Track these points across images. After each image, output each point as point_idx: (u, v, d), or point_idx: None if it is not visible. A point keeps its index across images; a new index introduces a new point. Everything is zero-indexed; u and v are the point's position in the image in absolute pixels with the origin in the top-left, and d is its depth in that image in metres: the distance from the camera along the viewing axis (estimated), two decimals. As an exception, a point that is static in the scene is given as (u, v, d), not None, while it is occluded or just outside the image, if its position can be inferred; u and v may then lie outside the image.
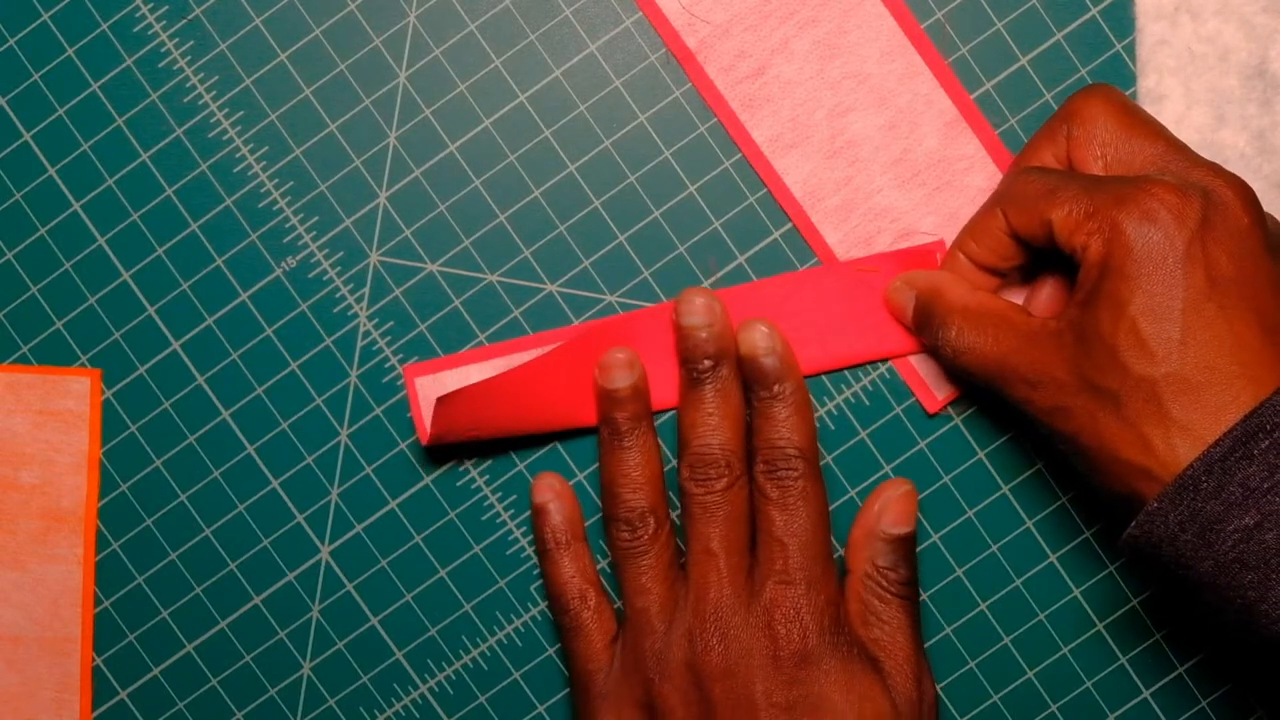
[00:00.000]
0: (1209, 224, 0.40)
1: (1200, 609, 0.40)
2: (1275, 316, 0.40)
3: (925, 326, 0.47)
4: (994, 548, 0.50)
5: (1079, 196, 0.42)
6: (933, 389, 0.49)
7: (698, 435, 0.47)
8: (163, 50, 0.50)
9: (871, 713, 0.45)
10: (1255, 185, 0.48)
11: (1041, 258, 0.46)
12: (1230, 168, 0.48)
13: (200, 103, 0.50)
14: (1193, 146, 0.48)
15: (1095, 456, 0.42)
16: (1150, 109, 0.48)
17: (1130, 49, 0.49)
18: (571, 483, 0.50)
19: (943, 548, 0.50)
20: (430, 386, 0.49)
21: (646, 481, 0.48)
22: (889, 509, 0.47)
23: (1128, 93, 0.49)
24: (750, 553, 0.47)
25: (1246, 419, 0.38)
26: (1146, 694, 0.50)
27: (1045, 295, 0.46)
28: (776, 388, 0.47)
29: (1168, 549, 0.39)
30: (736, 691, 0.45)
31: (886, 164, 0.49)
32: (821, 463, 0.50)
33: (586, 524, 0.50)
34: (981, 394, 0.49)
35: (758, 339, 0.48)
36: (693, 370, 0.48)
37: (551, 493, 0.49)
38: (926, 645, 0.50)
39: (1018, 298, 0.48)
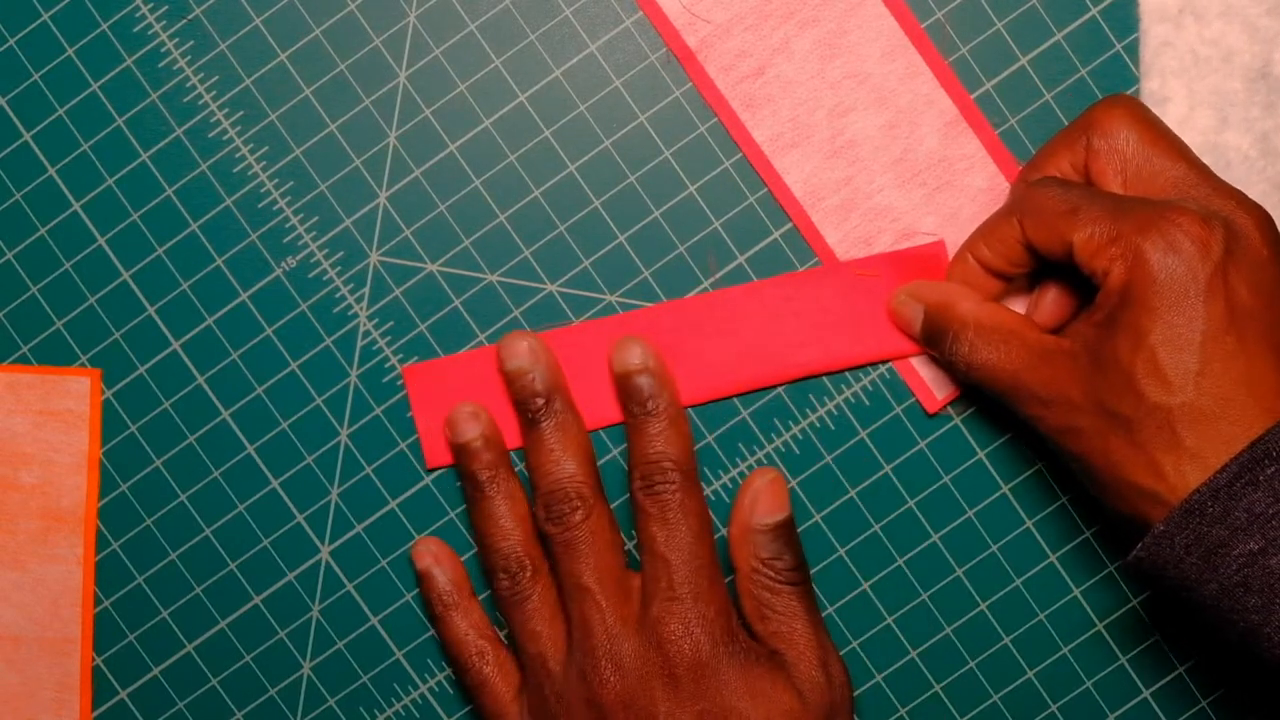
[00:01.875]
0: (1231, 255, 0.40)
1: (1204, 630, 0.40)
2: None
3: (936, 341, 0.46)
4: (994, 548, 0.50)
5: (1101, 219, 0.42)
6: (932, 389, 0.49)
7: (544, 475, 0.47)
8: (163, 50, 0.50)
9: (779, 712, 0.45)
10: (1260, 188, 0.48)
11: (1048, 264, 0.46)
12: (1233, 170, 0.48)
13: (200, 103, 0.50)
14: (1196, 149, 0.48)
15: (1104, 477, 0.42)
16: (1154, 111, 0.48)
17: (1130, 49, 0.49)
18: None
19: (943, 548, 0.50)
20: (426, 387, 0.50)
21: (516, 525, 0.48)
22: (760, 500, 0.47)
23: (1130, 92, 0.49)
24: (629, 573, 0.47)
25: (1253, 445, 0.38)
26: (1146, 694, 0.50)
27: (1050, 301, 0.46)
28: (650, 404, 0.47)
29: (1173, 571, 0.40)
30: (640, 718, 0.45)
31: (887, 164, 0.49)
32: (821, 463, 0.50)
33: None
34: (981, 395, 0.49)
35: (631, 357, 0.48)
36: (527, 412, 0.47)
37: (431, 557, 0.49)
38: (927, 645, 0.50)
39: (1019, 302, 0.48)
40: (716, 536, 0.49)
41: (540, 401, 0.47)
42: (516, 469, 0.49)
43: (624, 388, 0.48)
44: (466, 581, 0.50)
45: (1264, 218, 0.41)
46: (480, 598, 0.50)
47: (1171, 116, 0.48)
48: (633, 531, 0.49)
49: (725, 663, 0.45)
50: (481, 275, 0.50)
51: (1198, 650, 0.49)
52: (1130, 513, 0.41)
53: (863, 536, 0.50)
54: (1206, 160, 0.48)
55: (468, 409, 0.49)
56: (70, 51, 0.50)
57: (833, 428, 0.50)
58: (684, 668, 0.45)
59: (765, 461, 0.50)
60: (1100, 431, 0.41)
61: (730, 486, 0.50)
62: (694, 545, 0.46)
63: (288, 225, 0.50)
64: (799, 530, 0.50)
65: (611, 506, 0.49)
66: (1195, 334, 0.40)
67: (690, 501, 0.46)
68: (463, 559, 0.50)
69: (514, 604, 0.47)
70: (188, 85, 0.50)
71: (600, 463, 0.50)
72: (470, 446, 0.48)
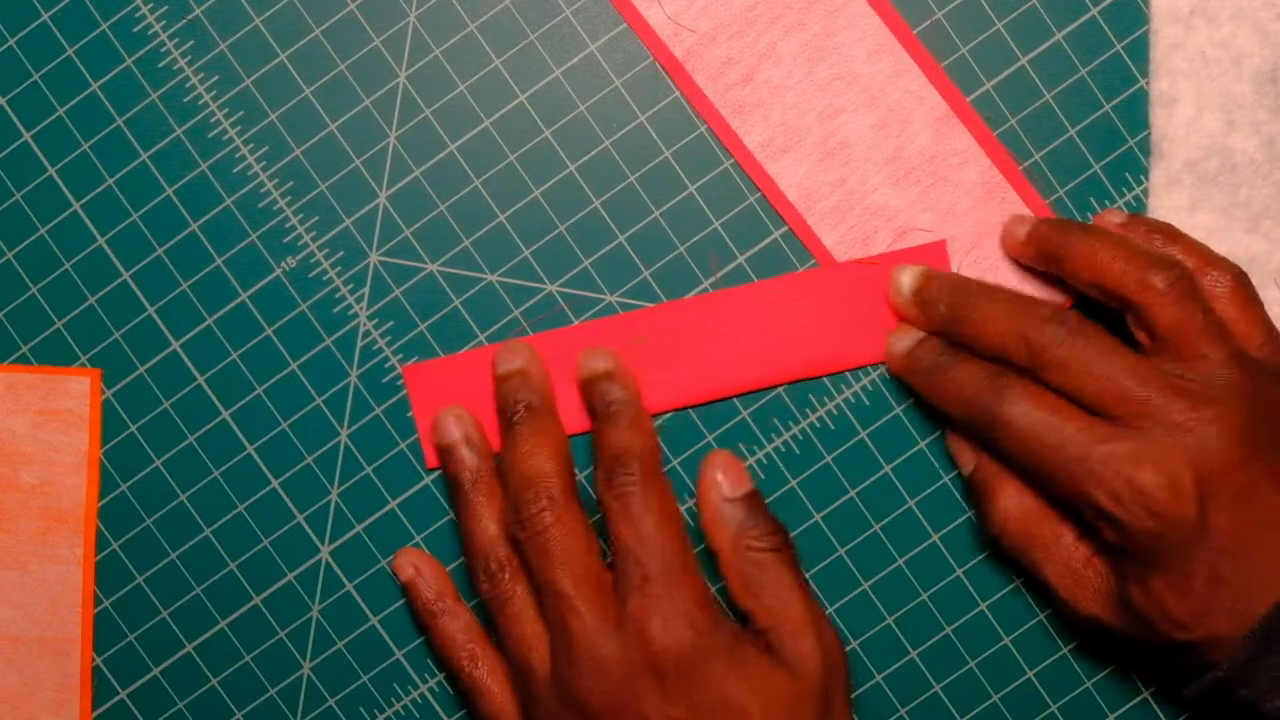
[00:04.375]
0: (1201, 486, 0.41)
1: None
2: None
3: (973, 498, 0.48)
4: (994, 548, 0.50)
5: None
6: (933, 389, 0.49)
7: (515, 474, 0.46)
8: (163, 50, 0.50)
9: (773, 696, 0.44)
10: (1264, 193, 0.48)
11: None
12: (1239, 174, 0.48)
13: (200, 103, 0.50)
14: (1203, 151, 0.48)
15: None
16: (1162, 112, 0.48)
17: (1131, 49, 0.49)
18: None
19: (942, 547, 0.50)
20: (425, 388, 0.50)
21: (497, 527, 0.47)
22: (724, 478, 0.46)
23: (1131, 91, 0.49)
24: (607, 574, 0.46)
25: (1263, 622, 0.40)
26: (1147, 694, 0.50)
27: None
28: (613, 407, 0.47)
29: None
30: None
31: (880, 163, 0.49)
32: (821, 463, 0.50)
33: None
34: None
35: (597, 363, 0.48)
36: (507, 413, 0.47)
37: (413, 568, 0.49)
38: (926, 645, 0.50)
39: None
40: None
41: (521, 405, 0.47)
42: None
43: (588, 393, 0.48)
44: (451, 587, 0.49)
45: (1231, 418, 0.42)
46: (472, 604, 0.50)
47: (1180, 118, 0.48)
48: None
49: (711, 652, 0.44)
50: (481, 275, 0.50)
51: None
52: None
53: (863, 536, 0.50)
54: (1212, 163, 0.48)
55: (452, 412, 0.49)
56: (70, 51, 0.50)
57: (833, 428, 0.50)
58: (669, 663, 0.43)
59: (765, 462, 0.50)
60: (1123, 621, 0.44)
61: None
62: (661, 537, 0.45)
63: (288, 225, 0.50)
64: (801, 529, 0.50)
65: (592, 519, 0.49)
66: (1194, 579, 0.41)
67: (653, 493, 0.45)
68: (455, 564, 0.50)
69: (497, 607, 0.47)
70: (188, 85, 0.50)
71: (600, 463, 0.50)
72: (453, 448, 0.48)
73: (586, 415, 0.48)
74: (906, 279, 0.48)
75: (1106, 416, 0.43)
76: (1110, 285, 0.44)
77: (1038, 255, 0.47)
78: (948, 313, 0.46)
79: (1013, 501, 0.46)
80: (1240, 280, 0.45)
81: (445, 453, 0.48)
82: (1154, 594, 0.42)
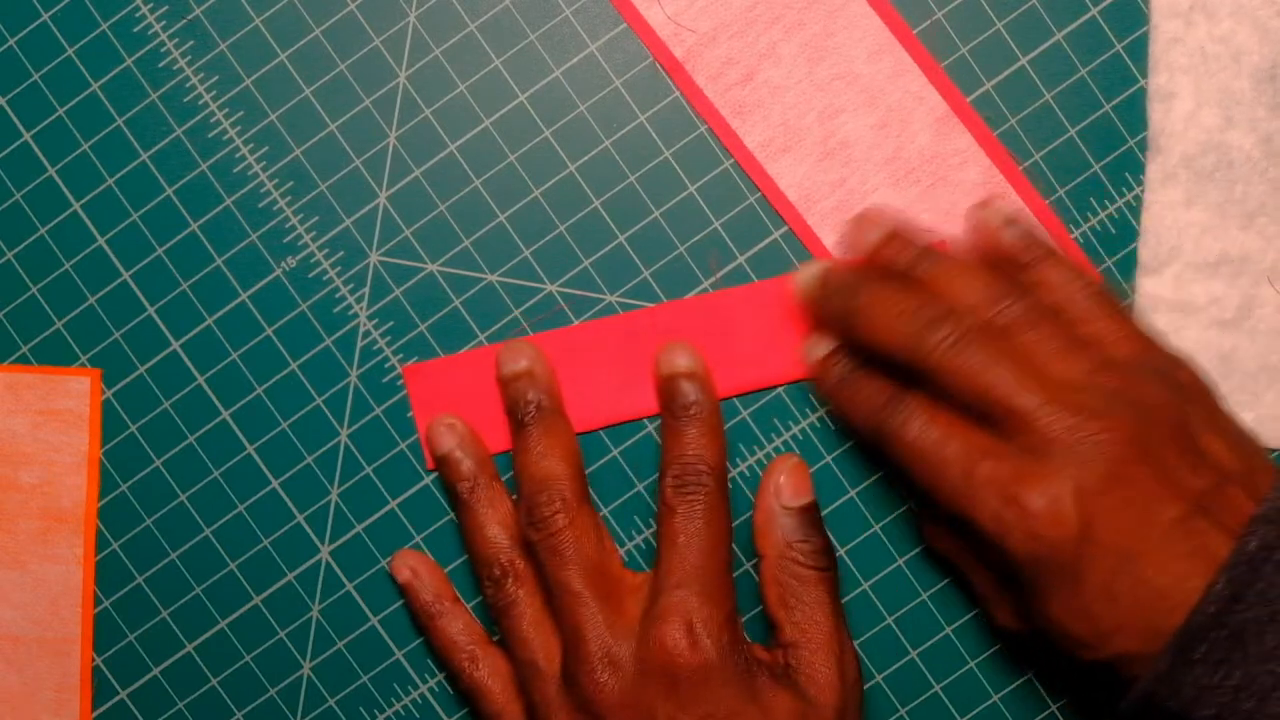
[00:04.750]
0: (1083, 504, 0.40)
1: None
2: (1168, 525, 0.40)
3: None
4: (994, 548, 0.50)
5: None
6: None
7: (528, 476, 0.46)
8: (163, 50, 0.50)
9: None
10: (1260, 189, 0.48)
11: None
12: (1236, 170, 0.48)
13: (200, 103, 0.50)
14: (1200, 147, 0.48)
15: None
16: (1160, 107, 0.48)
17: (1131, 49, 0.49)
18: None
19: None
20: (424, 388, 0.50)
21: (500, 531, 0.47)
22: (785, 484, 0.47)
23: (1131, 91, 0.49)
24: (623, 572, 0.46)
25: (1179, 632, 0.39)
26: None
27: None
28: (693, 409, 0.47)
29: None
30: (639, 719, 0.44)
31: (880, 163, 0.49)
32: (821, 463, 0.50)
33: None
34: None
35: (678, 360, 0.48)
36: (517, 414, 0.47)
37: (410, 570, 0.49)
38: (927, 645, 0.50)
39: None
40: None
41: (531, 406, 0.47)
42: (506, 477, 0.49)
43: (667, 389, 0.48)
44: (450, 587, 0.50)
45: (1111, 453, 0.41)
46: (472, 604, 0.50)
47: (1177, 113, 0.48)
48: (623, 539, 0.49)
49: (729, 670, 0.44)
50: (481, 275, 0.50)
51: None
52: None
53: (863, 536, 0.50)
54: (1209, 159, 0.48)
55: (445, 421, 0.49)
56: (70, 51, 0.50)
57: (833, 428, 0.50)
58: (686, 670, 0.43)
59: (765, 462, 0.50)
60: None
61: (730, 486, 0.50)
62: (714, 548, 0.45)
63: (288, 225, 0.50)
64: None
65: (606, 512, 0.49)
66: (1084, 600, 0.40)
67: (718, 507, 0.46)
68: (459, 561, 0.50)
69: (502, 610, 0.47)
70: (188, 85, 0.50)
71: (601, 463, 0.50)
72: (449, 457, 0.48)
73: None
74: (807, 275, 0.47)
75: (995, 430, 0.42)
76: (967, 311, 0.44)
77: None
78: (840, 308, 0.45)
79: (948, 537, 0.47)
80: (1101, 297, 0.44)
81: (441, 462, 0.49)
82: (1052, 617, 0.41)
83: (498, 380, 0.49)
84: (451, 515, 0.50)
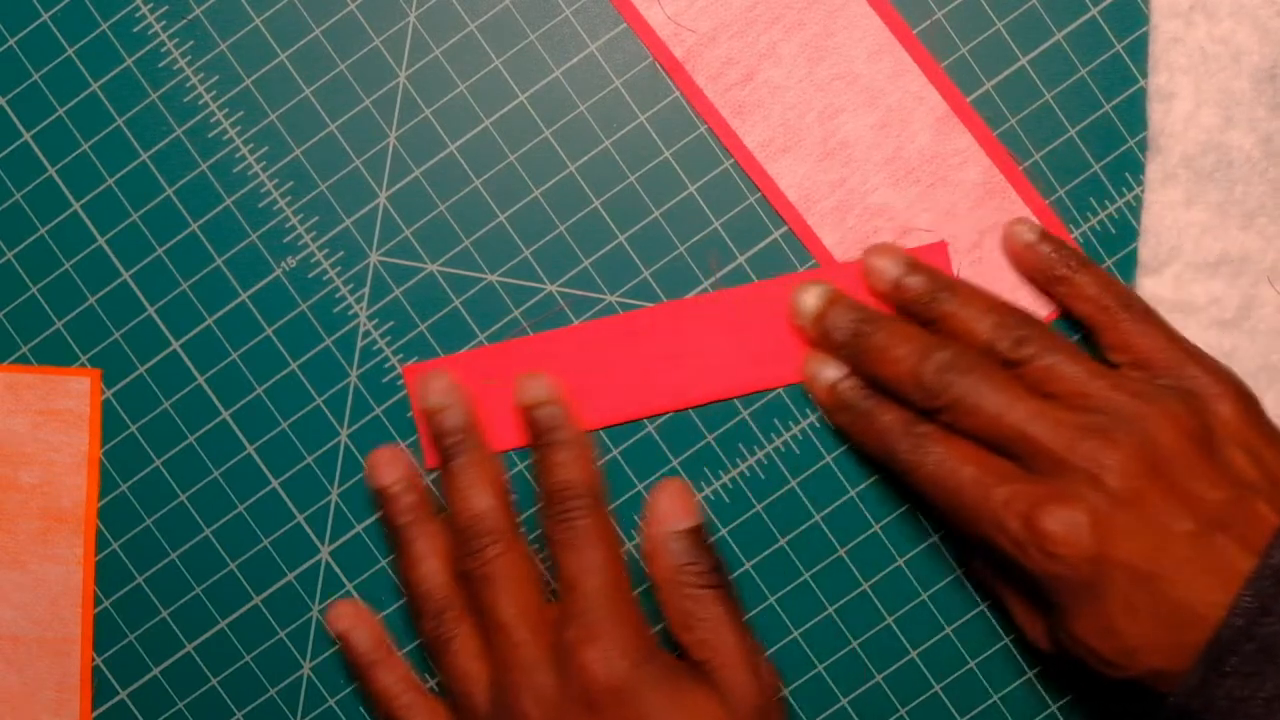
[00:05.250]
0: (1099, 525, 0.41)
1: None
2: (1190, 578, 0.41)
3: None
4: (994, 548, 0.50)
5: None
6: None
7: (458, 511, 0.47)
8: (163, 50, 0.50)
9: None
10: (1260, 189, 0.48)
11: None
12: (1235, 170, 0.48)
13: (200, 103, 0.50)
14: (1199, 147, 0.48)
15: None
16: (1160, 107, 0.48)
17: (1131, 49, 0.49)
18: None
19: (943, 548, 0.50)
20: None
21: (439, 567, 0.47)
22: (669, 509, 0.46)
23: (1131, 91, 0.49)
24: (549, 606, 0.46)
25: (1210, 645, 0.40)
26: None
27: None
28: (555, 435, 0.47)
29: None
30: None
31: (880, 163, 0.49)
32: (821, 463, 0.50)
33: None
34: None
35: (535, 390, 0.48)
36: (441, 448, 0.48)
37: (348, 620, 0.49)
38: (927, 644, 0.50)
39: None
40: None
41: (450, 440, 0.47)
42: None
43: (528, 422, 0.48)
44: (386, 638, 0.50)
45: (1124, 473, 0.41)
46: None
47: (1177, 113, 0.48)
48: (623, 539, 0.49)
49: (646, 684, 0.44)
50: (481, 275, 0.50)
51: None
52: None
53: (862, 537, 0.50)
54: (1209, 159, 0.48)
55: (386, 453, 0.49)
56: (70, 51, 0.50)
57: (832, 427, 0.50)
58: (603, 694, 0.44)
59: (765, 462, 0.50)
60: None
61: (730, 487, 0.50)
62: (605, 569, 0.45)
63: (288, 225, 0.50)
64: (801, 529, 0.50)
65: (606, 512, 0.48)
66: (1116, 620, 0.41)
67: (599, 526, 0.46)
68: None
69: (440, 646, 0.47)
70: (188, 85, 0.50)
71: (601, 463, 0.50)
72: (388, 491, 0.48)
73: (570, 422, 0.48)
74: (809, 300, 0.48)
75: (1010, 457, 0.43)
76: (979, 345, 0.44)
77: (904, 311, 0.47)
78: (848, 343, 0.46)
79: (982, 563, 0.47)
80: (1136, 308, 0.45)
81: (379, 495, 0.49)
82: (1078, 637, 0.42)
83: (421, 412, 0.49)
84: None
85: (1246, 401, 0.43)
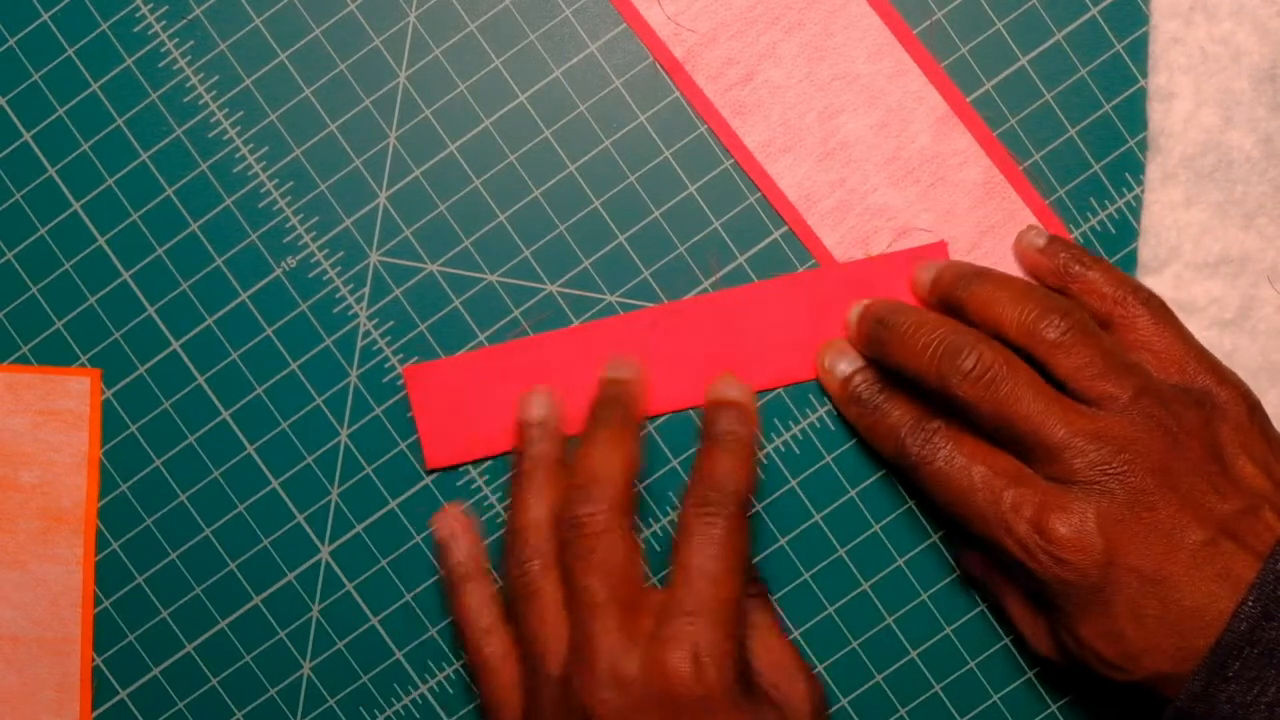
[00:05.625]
0: (1108, 531, 0.41)
1: None
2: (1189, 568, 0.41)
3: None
4: (994, 548, 0.50)
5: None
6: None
7: (580, 470, 0.46)
8: (163, 50, 0.50)
9: None
10: (1260, 189, 0.48)
11: None
12: (1235, 170, 0.48)
13: (200, 103, 0.50)
14: (1199, 147, 0.48)
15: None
16: (1159, 107, 0.48)
17: (1131, 49, 0.49)
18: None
19: (943, 548, 0.50)
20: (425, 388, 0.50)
21: (544, 514, 0.47)
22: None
23: (1131, 91, 0.49)
24: (645, 590, 0.45)
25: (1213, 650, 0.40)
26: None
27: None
28: (730, 436, 0.46)
29: None
30: None
31: (880, 163, 0.49)
32: (821, 463, 0.50)
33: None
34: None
35: (730, 390, 0.48)
36: (599, 412, 0.47)
37: (449, 530, 0.49)
38: (928, 645, 0.50)
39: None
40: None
41: (615, 412, 0.47)
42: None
43: (710, 415, 0.47)
44: (484, 556, 0.49)
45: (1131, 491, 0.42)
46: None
47: (1177, 113, 0.48)
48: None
49: (730, 700, 0.43)
50: (481, 275, 0.50)
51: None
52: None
53: (863, 536, 0.50)
54: (1209, 159, 0.48)
55: (542, 392, 0.49)
56: (70, 51, 0.50)
57: (832, 428, 0.50)
58: (688, 699, 0.43)
59: (765, 462, 0.50)
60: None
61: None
62: (728, 576, 0.44)
63: (288, 225, 0.50)
64: (801, 529, 0.50)
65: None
66: (1121, 624, 0.41)
67: (736, 533, 0.45)
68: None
69: (521, 596, 0.46)
70: (188, 85, 0.50)
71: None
72: (528, 427, 0.48)
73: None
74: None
75: (1022, 456, 0.43)
76: (1007, 335, 0.44)
77: (939, 301, 0.47)
78: (870, 337, 0.47)
79: (982, 562, 0.47)
80: (1153, 305, 0.45)
81: (520, 428, 0.48)
82: (1083, 640, 0.42)
83: (599, 379, 0.49)
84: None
85: (1254, 409, 0.44)
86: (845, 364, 0.48)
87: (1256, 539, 0.41)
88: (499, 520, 0.50)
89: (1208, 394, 0.43)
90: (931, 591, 0.50)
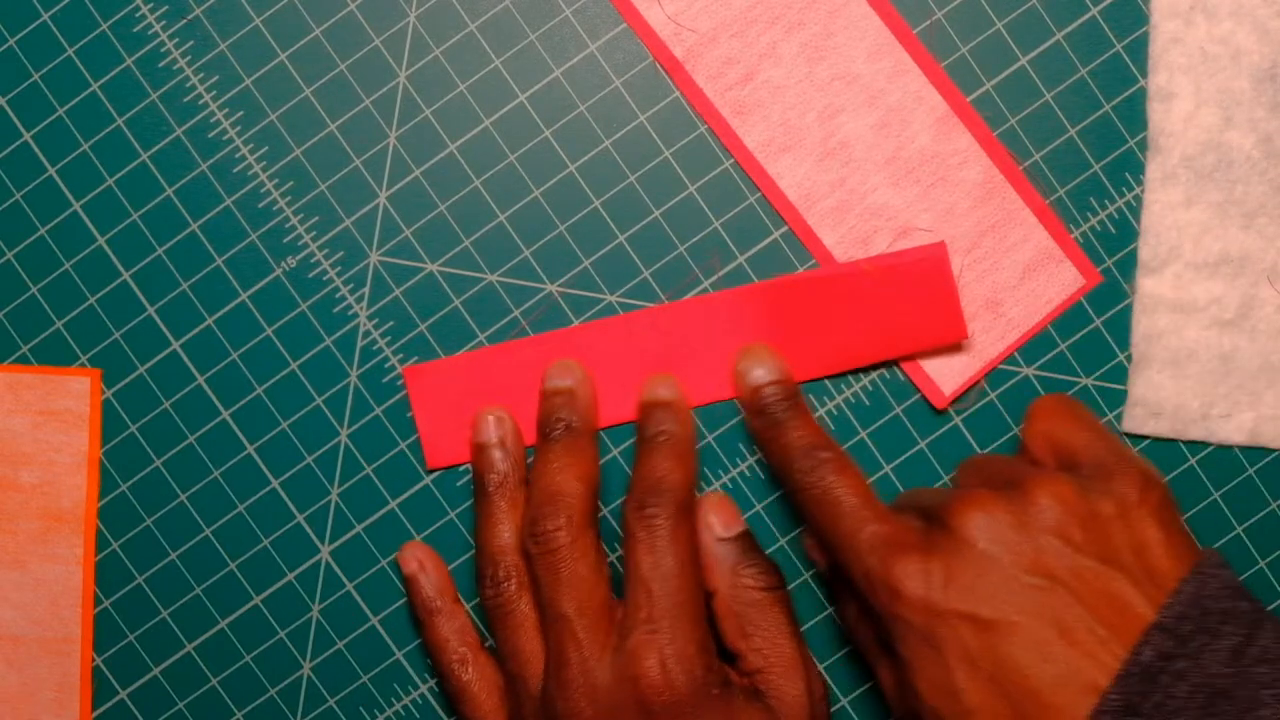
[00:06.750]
0: (951, 578, 0.41)
1: None
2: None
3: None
4: (994, 548, 0.50)
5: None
6: (939, 384, 0.49)
7: (540, 487, 0.46)
8: (163, 50, 0.50)
9: None
10: (1260, 189, 0.48)
11: None
12: (1235, 170, 0.48)
13: (200, 103, 0.50)
14: (1199, 147, 0.48)
15: None
16: (1159, 107, 0.48)
17: (1131, 49, 0.49)
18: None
19: (943, 548, 0.50)
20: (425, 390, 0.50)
21: (513, 534, 0.47)
22: (716, 520, 0.47)
23: (1131, 91, 0.49)
24: (613, 603, 0.45)
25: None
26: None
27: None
28: (662, 436, 0.47)
29: None
30: None
31: (880, 163, 0.49)
32: (821, 463, 0.50)
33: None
34: (983, 393, 0.49)
35: (659, 389, 0.48)
36: (546, 428, 0.47)
37: (417, 563, 0.49)
38: (927, 645, 0.50)
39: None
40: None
41: (561, 424, 0.47)
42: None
43: (642, 417, 0.48)
44: (451, 587, 0.49)
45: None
46: (471, 604, 0.50)
47: (1177, 113, 0.48)
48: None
49: (703, 699, 0.43)
50: (481, 275, 0.50)
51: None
52: None
53: (863, 536, 0.50)
54: (1209, 159, 0.48)
55: (494, 412, 0.49)
56: (70, 51, 0.50)
57: (832, 428, 0.50)
58: (659, 705, 0.43)
59: (766, 462, 0.50)
60: None
61: (730, 487, 0.50)
62: (679, 577, 0.44)
63: (288, 225, 0.50)
64: (799, 531, 0.50)
65: (606, 512, 0.48)
66: (955, 681, 0.40)
67: (681, 532, 0.45)
68: (458, 562, 0.50)
69: (498, 615, 0.46)
70: (188, 85, 0.50)
71: (601, 463, 0.50)
72: (486, 449, 0.48)
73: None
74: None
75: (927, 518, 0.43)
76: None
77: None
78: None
79: (852, 607, 0.47)
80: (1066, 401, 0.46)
81: (478, 451, 0.48)
82: (917, 688, 0.41)
83: (539, 392, 0.49)
84: (451, 515, 0.50)
85: (1152, 490, 0.42)
86: (762, 372, 0.47)
87: (1104, 608, 0.39)
88: (499, 520, 0.50)
89: (1105, 473, 0.42)
90: (931, 591, 0.50)
